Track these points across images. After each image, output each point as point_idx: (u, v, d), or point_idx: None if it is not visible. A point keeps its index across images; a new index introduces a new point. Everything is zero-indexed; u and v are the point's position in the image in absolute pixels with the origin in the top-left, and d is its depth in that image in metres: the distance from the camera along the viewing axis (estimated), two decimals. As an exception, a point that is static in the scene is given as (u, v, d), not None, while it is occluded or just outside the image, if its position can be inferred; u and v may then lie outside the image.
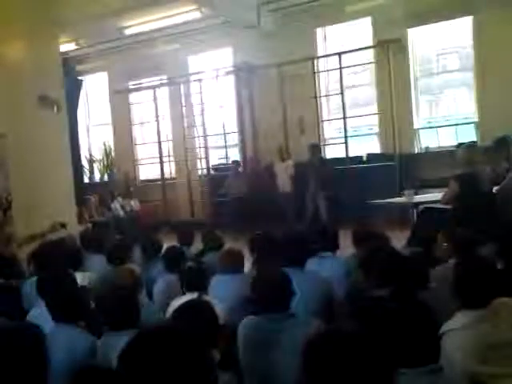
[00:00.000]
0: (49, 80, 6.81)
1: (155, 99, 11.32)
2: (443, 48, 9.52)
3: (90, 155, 12.80)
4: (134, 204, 11.08)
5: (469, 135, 8.85)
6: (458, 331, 2.10)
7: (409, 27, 9.14)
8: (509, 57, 8.39)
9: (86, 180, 12.32)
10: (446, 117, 9.51)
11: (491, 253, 3.09)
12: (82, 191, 9.96)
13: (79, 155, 11.26)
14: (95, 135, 13.09)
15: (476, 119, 8.95)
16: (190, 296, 3.18)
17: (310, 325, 2.46)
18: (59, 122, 6.99)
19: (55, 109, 6.75)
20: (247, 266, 4.10)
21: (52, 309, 2.67)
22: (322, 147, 9.74)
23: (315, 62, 9.80)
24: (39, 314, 2.99)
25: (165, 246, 4.65)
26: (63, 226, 5.56)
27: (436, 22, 9.00)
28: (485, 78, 8.62)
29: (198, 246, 5.17)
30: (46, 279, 3.25)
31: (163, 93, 11.58)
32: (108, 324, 2.57)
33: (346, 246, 4.18)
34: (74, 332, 2.60)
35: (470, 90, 9.20)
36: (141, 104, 11.96)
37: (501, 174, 5.40)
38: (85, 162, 12.36)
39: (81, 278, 3.88)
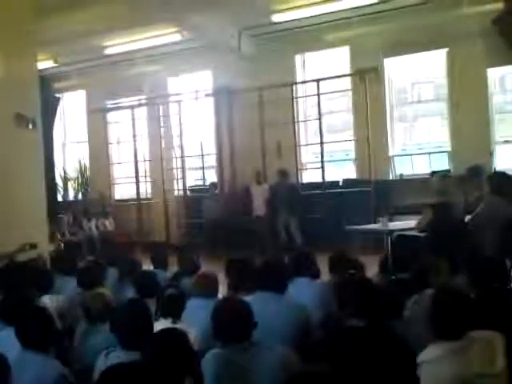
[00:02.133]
0: (25, 98, 6.71)
1: (133, 119, 11.27)
2: (418, 78, 9.78)
3: (65, 173, 12.60)
4: (108, 224, 10.92)
5: (442, 163, 9.05)
6: (434, 363, 2.10)
7: (385, 57, 9.38)
8: (480, 88, 8.67)
9: (60, 198, 12.09)
10: (420, 145, 9.72)
11: (463, 282, 3.12)
12: (55, 210, 9.76)
13: (53, 173, 11.08)
14: (71, 153, 12.92)
15: (449, 148, 9.16)
16: (163, 322, 3.12)
17: (273, 351, 2.45)
18: (34, 139, 6.88)
19: (30, 126, 6.65)
20: (223, 289, 4.06)
21: (19, 334, 2.57)
22: (298, 171, 9.83)
23: (294, 87, 9.94)
24: (5, 337, 2.89)
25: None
26: (33, 246, 5.42)
27: (412, 53, 9.26)
28: (458, 108, 8.87)
29: (172, 269, 5.11)
30: (8, 303, 3.15)
31: (141, 113, 11.55)
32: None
33: (322, 272, 4.17)
34: (43, 360, 2.50)
35: (443, 120, 9.45)
36: (118, 123, 11.89)
37: (473, 202, 5.51)
38: (59, 180, 12.16)
39: (49, 301, 3.78)
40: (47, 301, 3.79)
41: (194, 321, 3.16)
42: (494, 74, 8.83)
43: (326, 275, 4.12)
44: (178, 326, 2.95)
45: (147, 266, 5.26)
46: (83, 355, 3.05)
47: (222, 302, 2.67)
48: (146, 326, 2.56)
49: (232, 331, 2.44)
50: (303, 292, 3.57)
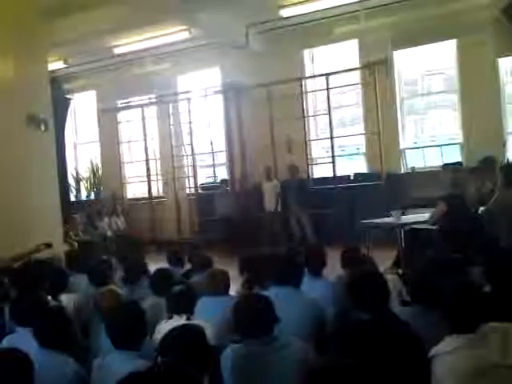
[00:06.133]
0: (37, 99, 6.79)
1: (143, 118, 11.33)
2: (428, 70, 9.69)
3: (77, 173, 12.71)
4: (121, 223, 10.99)
5: (454, 155, 8.97)
6: (449, 355, 2.10)
7: (394, 49, 9.31)
8: (491, 78, 8.57)
9: (73, 198, 12.20)
10: (432, 137, 9.64)
11: (478, 274, 3.10)
12: (69, 210, 9.85)
13: (66, 173, 11.18)
14: (83, 153, 13.02)
15: (461, 140, 9.08)
16: (177, 319, 3.14)
17: (292, 346, 2.47)
18: (46, 140, 6.96)
19: (42, 128, 6.72)
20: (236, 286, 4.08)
21: (37, 334, 2.61)
22: (309, 166, 9.81)
23: (303, 82, 9.91)
24: (18, 337, 2.93)
25: (153, 267, 4.59)
26: (49, 245, 5.49)
27: (421, 44, 9.18)
28: (469, 99, 8.78)
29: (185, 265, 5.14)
30: (24, 303, 3.18)
31: (152, 111, 11.59)
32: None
33: (335, 266, 4.16)
34: (60, 359, 2.54)
35: (454, 111, 9.35)
36: (129, 122, 11.95)
37: (485, 194, 5.47)
38: (71, 180, 12.27)
39: (66, 300, 3.83)
40: (64, 300, 3.84)
41: (207, 318, 3.17)
42: (505, 63, 8.72)
43: (337, 270, 4.11)
44: (193, 322, 2.96)
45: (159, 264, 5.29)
46: (96, 352, 3.09)
47: (244, 298, 2.68)
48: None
49: (254, 326, 2.45)
50: (315, 287, 3.58)
